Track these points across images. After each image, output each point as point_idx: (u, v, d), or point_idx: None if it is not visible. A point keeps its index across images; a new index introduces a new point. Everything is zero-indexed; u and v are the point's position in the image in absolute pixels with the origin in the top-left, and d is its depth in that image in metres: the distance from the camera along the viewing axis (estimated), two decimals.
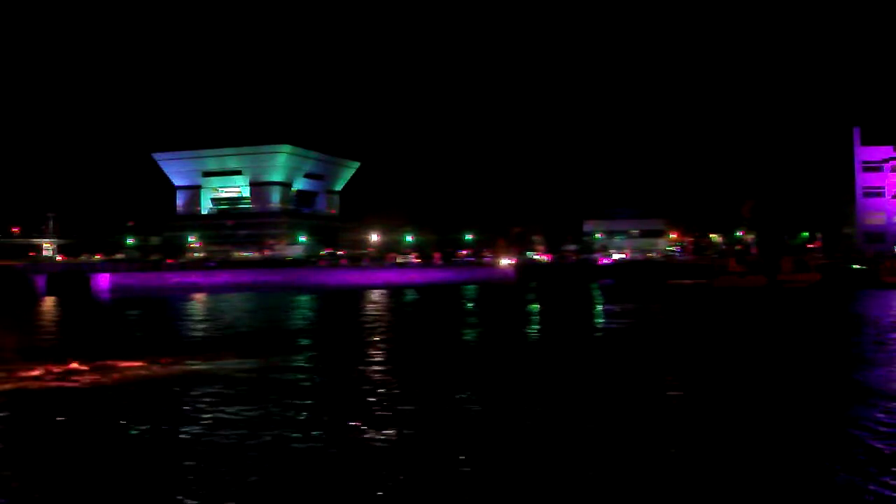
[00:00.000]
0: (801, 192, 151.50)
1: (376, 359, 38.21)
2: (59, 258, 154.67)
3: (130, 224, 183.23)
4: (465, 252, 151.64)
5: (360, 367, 34.96)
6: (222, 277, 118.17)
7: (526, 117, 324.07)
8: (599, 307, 71.04)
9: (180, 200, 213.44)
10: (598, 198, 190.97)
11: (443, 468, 19.28)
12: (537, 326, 56.34)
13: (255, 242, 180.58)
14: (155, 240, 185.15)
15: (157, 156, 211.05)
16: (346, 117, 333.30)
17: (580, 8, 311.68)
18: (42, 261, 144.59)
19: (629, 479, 18.46)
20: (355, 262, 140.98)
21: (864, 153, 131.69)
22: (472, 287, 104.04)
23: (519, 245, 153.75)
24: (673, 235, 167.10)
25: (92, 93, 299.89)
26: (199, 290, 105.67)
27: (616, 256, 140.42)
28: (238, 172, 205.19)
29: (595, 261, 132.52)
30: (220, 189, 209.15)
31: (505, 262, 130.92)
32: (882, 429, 22.23)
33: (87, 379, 32.12)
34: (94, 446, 21.73)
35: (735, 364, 35.34)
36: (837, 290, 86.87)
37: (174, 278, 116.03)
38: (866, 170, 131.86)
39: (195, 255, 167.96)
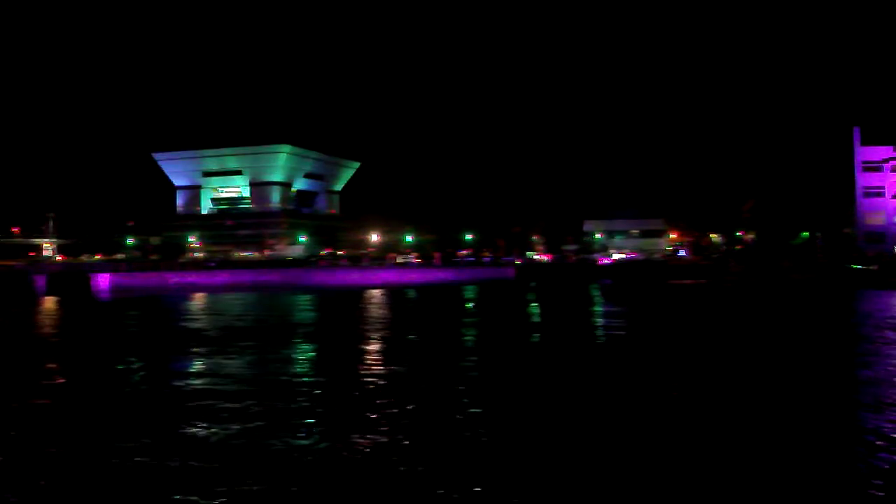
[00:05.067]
0: (801, 192, 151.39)
1: (375, 360, 38.20)
2: (59, 258, 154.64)
3: (130, 224, 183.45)
4: (465, 252, 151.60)
5: (359, 369, 34.97)
6: (222, 277, 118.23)
7: (526, 118, 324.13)
8: (599, 308, 71.00)
9: (180, 200, 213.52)
10: (598, 198, 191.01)
11: (441, 470, 19.29)
12: (537, 327, 56.29)
13: (255, 242, 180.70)
14: (155, 240, 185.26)
15: (157, 156, 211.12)
16: (346, 117, 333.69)
17: (580, 8, 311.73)
18: (42, 261, 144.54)
19: (631, 479, 18.48)
20: (355, 262, 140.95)
21: (864, 153, 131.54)
22: (472, 287, 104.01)
23: (519, 245, 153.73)
24: (673, 235, 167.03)
25: (92, 93, 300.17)
26: (198, 290, 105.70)
27: (616, 256, 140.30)
28: (238, 172, 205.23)
29: (595, 261, 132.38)
30: (220, 189, 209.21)
31: (513, 261, 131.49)
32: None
33: None
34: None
35: (739, 364, 35.36)
36: (839, 289, 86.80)
37: (174, 278, 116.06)
38: (866, 170, 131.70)
39: (195, 255, 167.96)
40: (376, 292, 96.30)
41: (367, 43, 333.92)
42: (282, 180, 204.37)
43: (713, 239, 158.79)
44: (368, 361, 36.97)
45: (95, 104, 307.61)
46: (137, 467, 19.49)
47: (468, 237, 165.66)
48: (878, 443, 20.74)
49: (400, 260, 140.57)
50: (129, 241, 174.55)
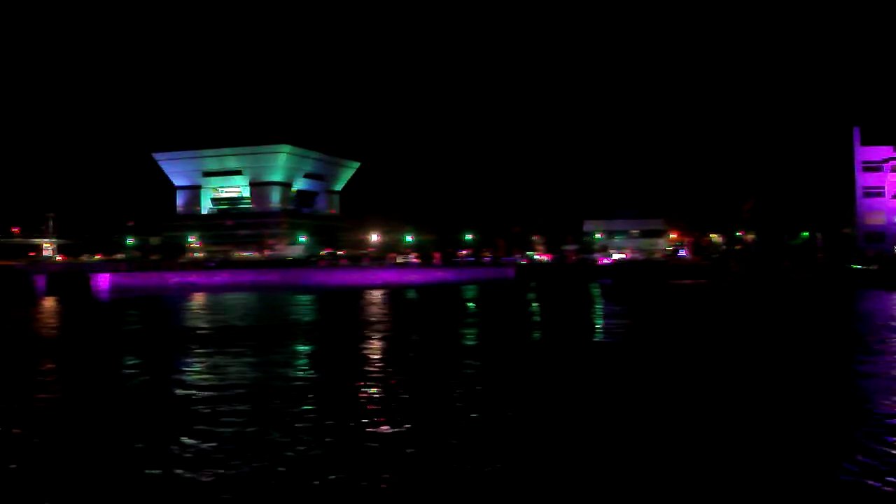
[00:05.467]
0: (801, 192, 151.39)
1: (376, 360, 38.10)
2: (59, 258, 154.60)
3: (130, 224, 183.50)
4: (465, 252, 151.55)
5: (359, 369, 34.87)
6: (222, 277, 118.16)
7: (526, 118, 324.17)
8: (599, 307, 70.90)
9: (180, 200, 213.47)
10: (598, 198, 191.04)
11: (439, 471, 19.20)
12: (537, 327, 56.19)
13: (255, 242, 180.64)
14: (155, 240, 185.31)
15: (157, 156, 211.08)
16: (346, 117, 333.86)
17: (580, 8, 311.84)
18: (42, 261, 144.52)
19: (631, 479, 18.40)
20: (355, 262, 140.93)
21: (864, 153, 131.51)
22: (472, 287, 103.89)
23: (519, 245, 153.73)
24: (673, 235, 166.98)
25: (92, 93, 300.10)
26: (199, 290, 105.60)
27: (616, 256, 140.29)
28: (238, 172, 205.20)
29: (595, 261, 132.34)
30: (220, 189, 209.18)
31: (513, 261, 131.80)
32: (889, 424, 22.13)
33: None
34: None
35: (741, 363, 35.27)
36: (839, 289, 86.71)
37: (174, 278, 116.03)
38: (866, 170, 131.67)
39: (195, 255, 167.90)
40: (376, 292, 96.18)
41: (367, 43, 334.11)
42: (282, 180, 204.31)
43: (713, 239, 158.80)
44: (369, 362, 36.87)
45: (95, 104, 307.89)
46: (136, 467, 19.40)
47: (468, 237, 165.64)
48: None
49: (400, 260, 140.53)
50: (129, 241, 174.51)
